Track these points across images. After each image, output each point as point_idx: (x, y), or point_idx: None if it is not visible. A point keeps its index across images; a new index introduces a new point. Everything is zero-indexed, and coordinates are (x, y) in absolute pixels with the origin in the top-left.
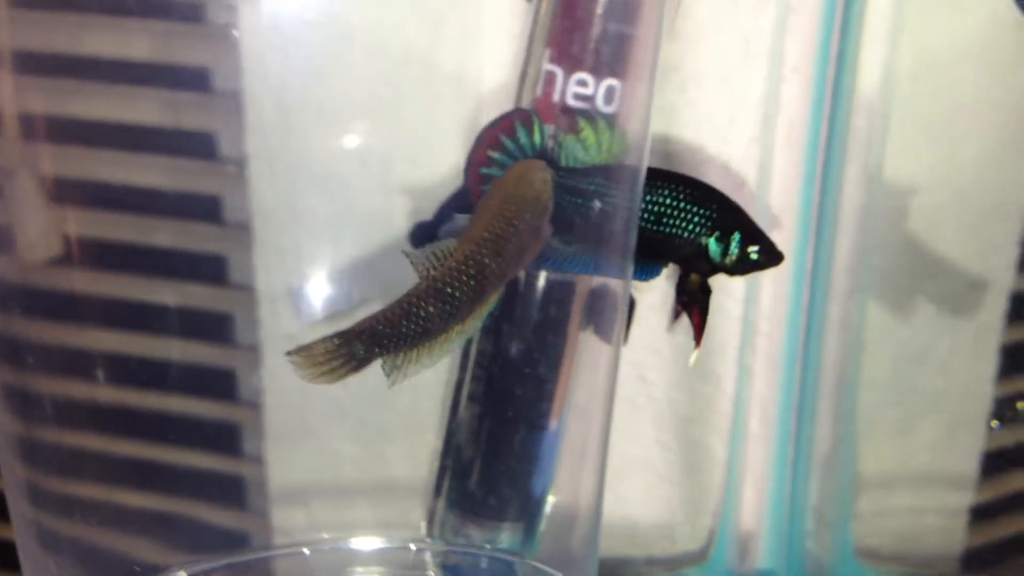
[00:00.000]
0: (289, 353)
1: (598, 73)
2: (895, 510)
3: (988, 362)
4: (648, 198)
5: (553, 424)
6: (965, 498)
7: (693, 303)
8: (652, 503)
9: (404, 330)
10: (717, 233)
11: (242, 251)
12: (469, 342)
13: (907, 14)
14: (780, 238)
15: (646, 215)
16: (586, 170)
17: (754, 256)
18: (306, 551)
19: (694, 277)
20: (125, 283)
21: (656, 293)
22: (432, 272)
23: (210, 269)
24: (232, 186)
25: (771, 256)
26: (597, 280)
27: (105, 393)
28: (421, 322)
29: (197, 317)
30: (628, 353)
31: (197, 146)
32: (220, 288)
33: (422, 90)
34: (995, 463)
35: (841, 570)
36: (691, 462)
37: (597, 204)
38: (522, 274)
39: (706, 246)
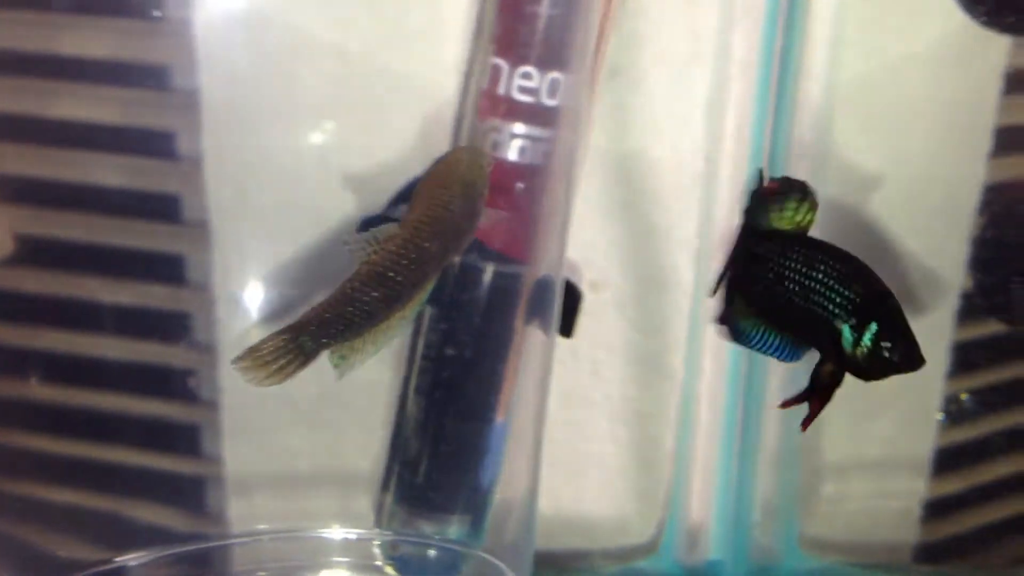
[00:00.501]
0: (236, 360)
1: (542, 66)
2: (843, 502)
3: (938, 360)
4: (798, 268)
5: (500, 417)
6: (916, 490)
7: (815, 392)
8: (607, 499)
9: (349, 318)
10: (854, 320)
11: (200, 250)
12: (416, 335)
13: (851, 14)
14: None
15: (794, 287)
16: None
17: (886, 354)
18: (257, 540)
19: (827, 368)
20: (79, 283)
21: (610, 291)
22: (373, 256)
23: (168, 269)
24: (190, 185)
25: (905, 358)
26: (538, 273)
27: (61, 394)
28: (365, 308)
29: (154, 317)
30: (583, 350)
31: (155, 144)
32: (178, 287)
33: (378, 87)
34: (948, 458)
35: (788, 561)
36: (644, 456)
37: None
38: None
39: (840, 331)
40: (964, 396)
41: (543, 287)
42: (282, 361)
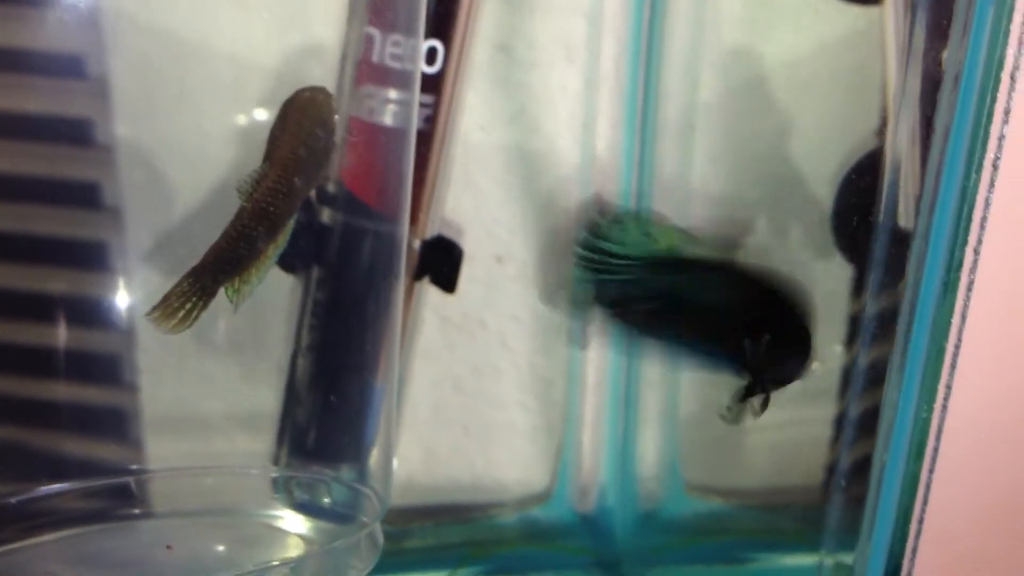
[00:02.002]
0: (148, 313)
1: (411, 34)
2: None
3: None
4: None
5: (381, 373)
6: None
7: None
8: (517, 462)
9: (241, 252)
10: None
11: (119, 235)
12: (305, 293)
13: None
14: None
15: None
16: None
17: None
18: (160, 473)
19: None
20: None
21: (514, 265)
22: (255, 195)
23: (90, 253)
24: (107, 171)
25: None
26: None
27: None
28: (253, 242)
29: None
30: (492, 323)
31: (73, 132)
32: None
33: (288, 67)
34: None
35: (673, 505)
36: (549, 420)
37: None
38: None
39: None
40: (816, 365)
41: (399, 242)
42: (188, 305)
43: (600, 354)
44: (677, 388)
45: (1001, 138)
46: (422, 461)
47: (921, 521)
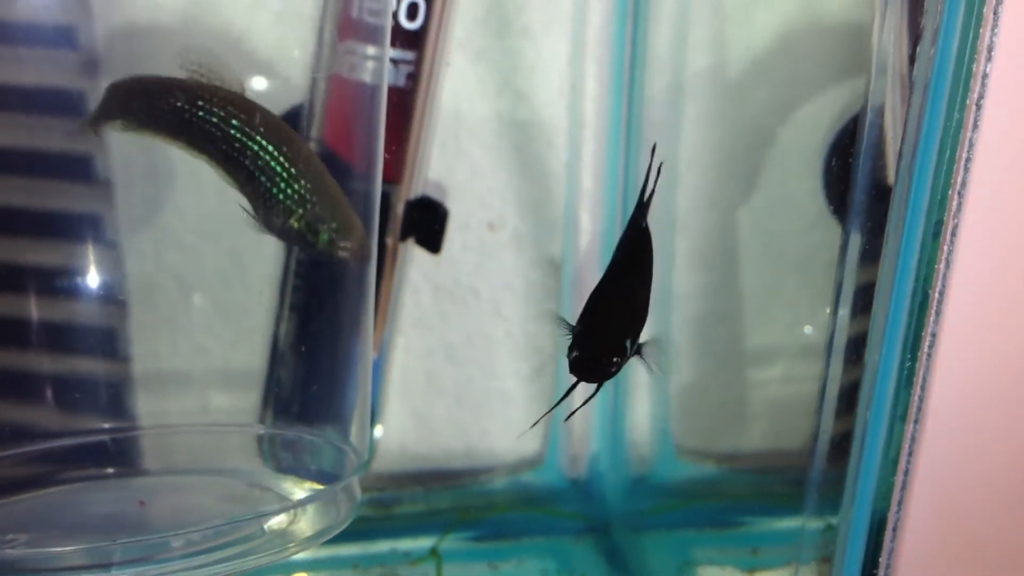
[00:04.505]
0: None
1: None
2: (717, 415)
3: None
4: None
5: (360, 332)
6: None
7: None
8: (509, 430)
9: None
10: None
11: (111, 207)
12: (288, 253)
13: None
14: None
15: None
16: None
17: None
18: (145, 430)
19: None
20: None
21: (507, 232)
22: None
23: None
24: (99, 144)
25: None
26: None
27: None
28: None
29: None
30: (485, 291)
31: (64, 105)
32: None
33: (273, 35)
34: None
35: (664, 470)
36: (542, 388)
37: None
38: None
39: None
40: (808, 328)
41: (374, 199)
42: None
43: None
44: (670, 354)
45: (984, 77)
46: (415, 430)
47: (907, 472)
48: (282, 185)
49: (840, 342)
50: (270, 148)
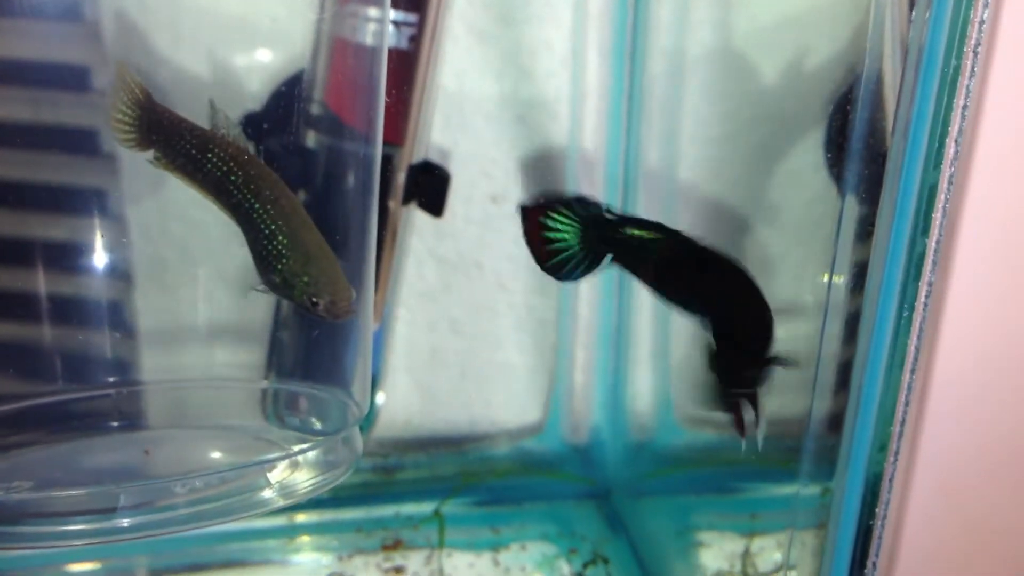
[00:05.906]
0: None
1: None
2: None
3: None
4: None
5: (360, 290)
6: None
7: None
8: (513, 401)
9: None
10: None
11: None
12: None
13: None
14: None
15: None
16: None
17: None
18: (149, 385)
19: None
20: None
21: (510, 204)
22: None
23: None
24: (104, 118)
25: None
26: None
27: None
28: None
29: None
30: (488, 263)
31: (69, 78)
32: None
33: (271, 14)
34: None
35: (664, 436)
36: (545, 359)
37: None
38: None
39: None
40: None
41: (373, 162)
42: None
43: (593, 291)
44: (670, 324)
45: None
46: (419, 402)
47: (903, 423)
48: (264, 241)
49: (836, 306)
50: (256, 206)
